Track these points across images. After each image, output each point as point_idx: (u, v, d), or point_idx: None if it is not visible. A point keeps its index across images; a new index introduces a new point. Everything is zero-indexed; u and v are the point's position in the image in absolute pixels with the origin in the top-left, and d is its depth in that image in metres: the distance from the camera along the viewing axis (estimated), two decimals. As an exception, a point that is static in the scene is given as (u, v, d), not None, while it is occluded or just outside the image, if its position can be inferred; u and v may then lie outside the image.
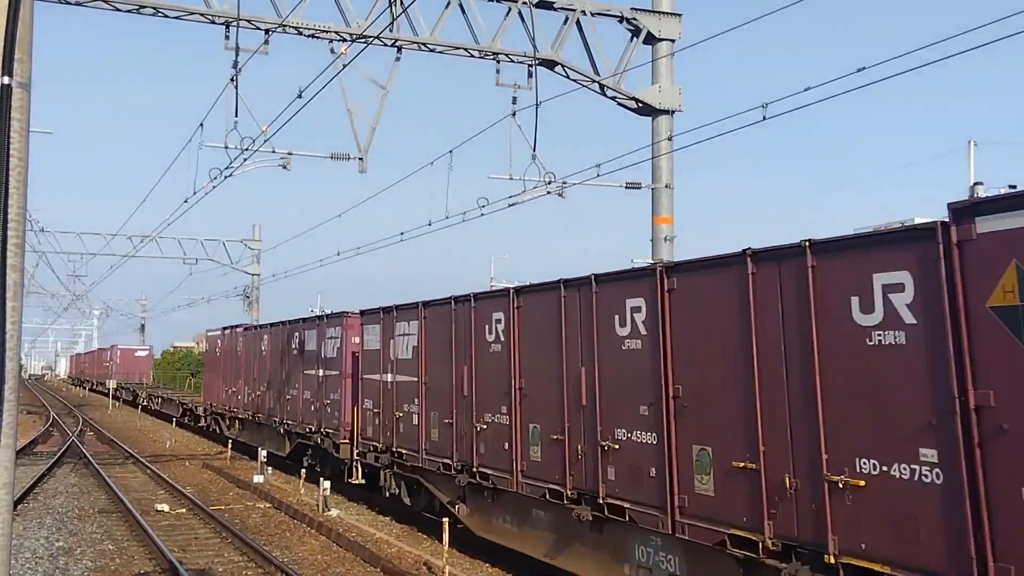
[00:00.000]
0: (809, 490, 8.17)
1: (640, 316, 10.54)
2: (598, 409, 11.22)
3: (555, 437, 12.03)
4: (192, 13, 16.34)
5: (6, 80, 4.51)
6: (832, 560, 7.89)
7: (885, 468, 7.50)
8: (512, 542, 13.69)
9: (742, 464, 8.90)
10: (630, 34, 18.62)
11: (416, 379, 16.34)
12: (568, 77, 18.23)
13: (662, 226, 18.03)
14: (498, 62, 17.87)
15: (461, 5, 17.52)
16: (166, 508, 19.91)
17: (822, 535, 7.97)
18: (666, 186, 18.05)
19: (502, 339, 13.44)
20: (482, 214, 18.15)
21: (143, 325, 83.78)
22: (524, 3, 17.58)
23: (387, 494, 18.17)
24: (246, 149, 16.79)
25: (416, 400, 16.32)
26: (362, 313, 19.40)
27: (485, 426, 13.88)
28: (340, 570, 14.34)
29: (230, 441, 30.99)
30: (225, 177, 18.52)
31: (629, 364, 10.71)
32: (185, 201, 21.99)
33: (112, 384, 64.05)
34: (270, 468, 24.53)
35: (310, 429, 22.86)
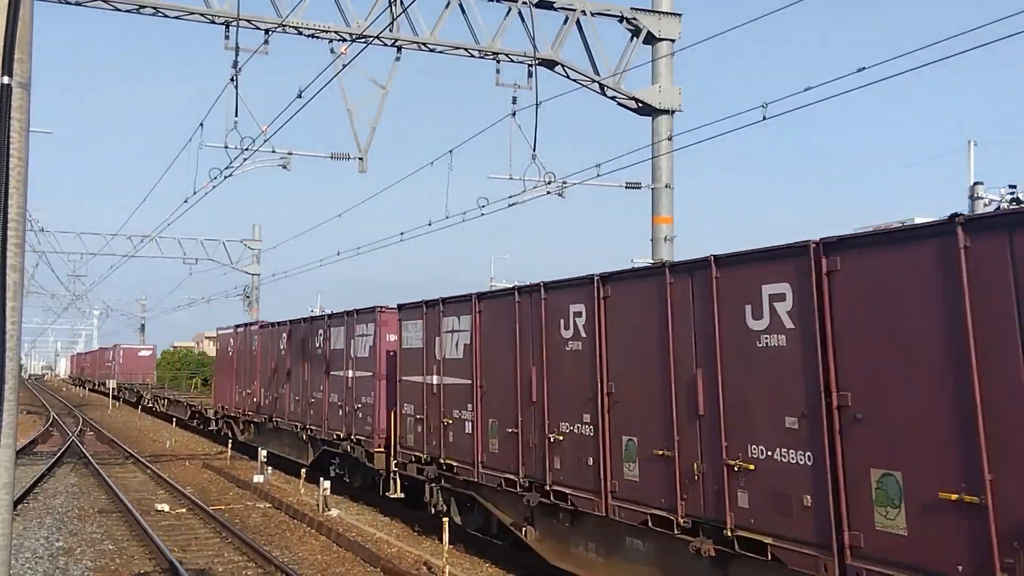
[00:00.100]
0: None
1: (785, 306, 8.67)
2: (722, 420, 9.23)
3: (660, 453, 10.07)
4: (192, 13, 16.34)
5: (6, 80, 4.51)
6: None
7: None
8: (597, 573, 11.72)
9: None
10: (630, 34, 18.62)
11: (469, 382, 14.50)
12: (568, 77, 18.23)
13: (662, 226, 18.03)
14: (498, 62, 17.87)
15: (461, 5, 17.52)
16: (166, 508, 19.91)
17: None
18: (666, 186, 18.05)
19: (583, 335, 11.59)
20: (482, 214, 18.16)
21: (143, 325, 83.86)
22: (524, 3, 17.58)
23: (432, 511, 16.16)
24: (246, 149, 16.80)
25: (469, 406, 14.48)
26: (400, 308, 17.45)
27: (561, 437, 11.96)
28: (340, 570, 14.34)
29: (230, 441, 30.96)
30: (225, 177, 18.54)
31: (764, 366, 8.76)
32: (185, 201, 22.03)
33: (112, 384, 63.23)
34: (270, 468, 24.51)
35: (337, 436, 20.90)
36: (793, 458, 8.42)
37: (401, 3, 16.87)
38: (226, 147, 16.95)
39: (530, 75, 17.78)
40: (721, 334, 9.24)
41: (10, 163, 4.52)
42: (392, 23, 17.00)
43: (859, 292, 7.90)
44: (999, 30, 9.27)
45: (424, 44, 17.58)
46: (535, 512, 12.95)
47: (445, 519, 13.94)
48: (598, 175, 16.48)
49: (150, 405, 51.88)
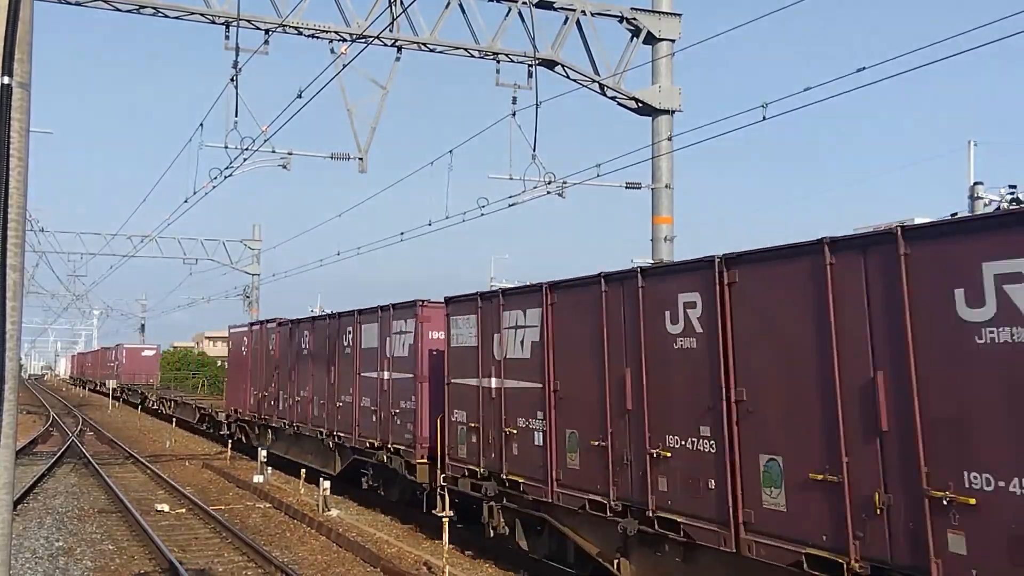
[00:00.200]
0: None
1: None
2: (919, 439, 7.44)
3: (819, 477, 8.32)
4: (192, 13, 16.34)
5: (6, 80, 4.51)
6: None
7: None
8: None
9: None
10: (630, 34, 18.63)
11: (539, 386, 12.73)
12: (568, 77, 18.23)
13: (662, 226, 18.04)
14: (498, 62, 17.87)
15: (461, 5, 17.52)
16: (166, 508, 19.91)
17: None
18: (666, 186, 18.05)
19: (699, 330, 9.83)
20: (482, 214, 18.16)
21: (143, 325, 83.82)
22: (524, 3, 17.58)
23: (491, 533, 14.25)
24: (246, 149, 16.80)
25: (539, 413, 12.70)
26: (448, 301, 15.66)
27: (668, 454, 10.24)
28: (340, 570, 14.34)
29: (230, 441, 30.93)
30: (225, 177, 18.55)
31: (992, 371, 7.00)
32: (185, 201, 22.03)
33: (112, 384, 62.72)
34: (270, 468, 24.50)
35: (371, 444, 19.01)
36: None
37: (401, 3, 16.87)
38: (226, 147, 16.95)
39: (530, 75, 17.80)
40: (914, 330, 7.63)
41: (10, 163, 4.52)
42: (392, 23, 17.01)
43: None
44: (1001, 29, 9.27)
45: (424, 44, 17.58)
46: (632, 542, 11.05)
47: (445, 519, 13.87)
48: (598, 175, 16.50)
49: (155, 407, 50.04)
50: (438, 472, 15.70)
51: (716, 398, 9.53)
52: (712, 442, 9.60)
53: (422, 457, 16.79)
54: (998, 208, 19.22)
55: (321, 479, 19.61)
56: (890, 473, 7.74)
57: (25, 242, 4.70)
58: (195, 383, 65.54)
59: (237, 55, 15.47)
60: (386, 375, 18.56)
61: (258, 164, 19.96)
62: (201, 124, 18.73)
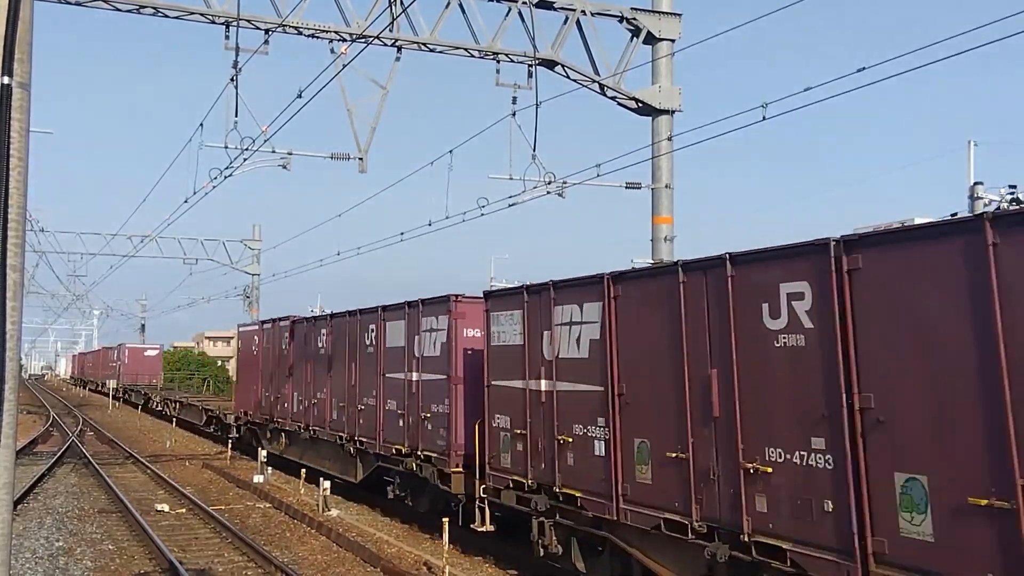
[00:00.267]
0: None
1: None
2: None
3: (982, 503, 7.08)
4: (192, 13, 16.35)
5: (6, 80, 4.51)
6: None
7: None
8: None
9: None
10: (630, 34, 18.64)
11: (600, 388, 11.46)
12: (568, 77, 18.24)
13: (662, 226, 18.05)
14: (498, 62, 17.88)
15: (461, 5, 17.53)
16: (166, 508, 19.91)
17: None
18: (666, 186, 18.06)
19: (807, 325, 8.57)
20: (482, 214, 18.17)
21: (143, 325, 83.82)
22: (524, 3, 17.59)
23: (541, 552, 12.97)
24: (246, 149, 16.82)
25: (601, 420, 11.43)
26: (488, 296, 14.53)
27: (769, 469, 8.91)
28: (340, 570, 14.34)
29: (230, 441, 30.92)
30: (225, 177, 18.59)
31: None
32: (185, 201, 22.08)
33: (112, 385, 62.40)
34: (270, 468, 24.48)
35: (398, 451, 17.77)
36: None
37: (401, 3, 16.88)
38: (226, 147, 16.98)
39: (530, 75, 17.82)
40: None
41: (10, 163, 4.52)
42: (392, 23, 17.02)
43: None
44: (1001, 29, 9.27)
45: (424, 44, 17.59)
46: (720, 569, 9.76)
47: (445, 519, 13.84)
48: (598, 175, 16.52)
49: (160, 409, 48.49)
50: (476, 482, 14.55)
51: (834, 405, 8.19)
52: (828, 457, 8.25)
53: (457, 466, 15.54)
54: (998, 208, 19.22)
55: (321, 479, 19.59)
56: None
57: (25, 242, 4.71)
58: (198, 383, 65.19)
59: (237, 55, 15.49)
60: (415, 376, 17.32)
61: (258, 164, 19.98)
62: (201, 124, 18.78)
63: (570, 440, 12.07)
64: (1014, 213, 7.21)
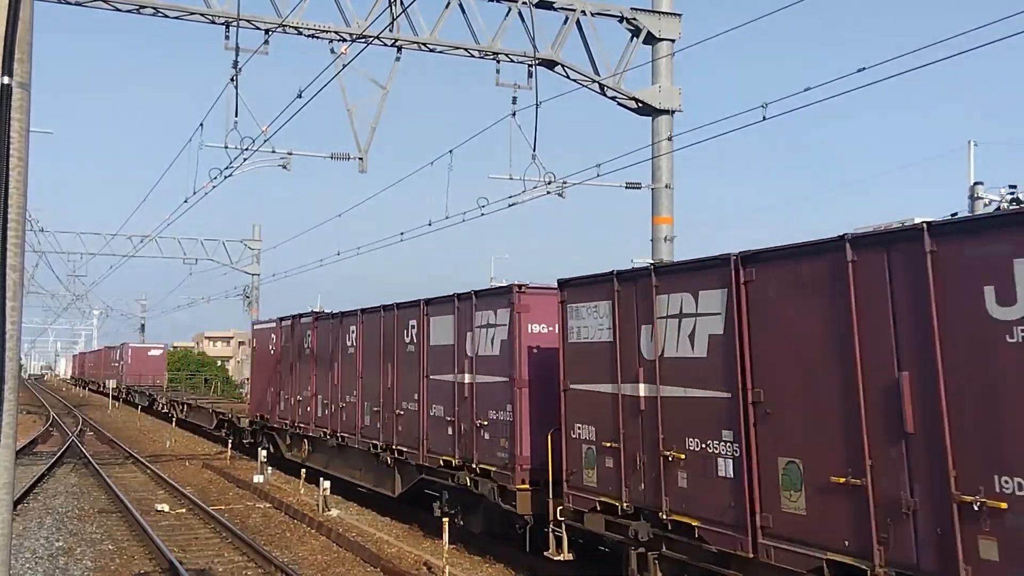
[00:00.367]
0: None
1: None
2: None
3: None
4: (192, 13, 16.34)
5: (6, 80, 4.51)
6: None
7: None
8: None
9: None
10: (630, 34, 18.63)
11: (725, 395, 9.59)
12: (568, 77, 18.24)
13: (662, 226, 18.04)
14: (498, 62, 17.88)
15: (461, 5, 17.52)
16: (166, 508, 19.91)
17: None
18: (666, 186, 18.05)
19: None
20: (482, 214, 18.15)
21: (143, 325, 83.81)
22: (524, 3, 17.59)
23: None
24: (246, 149, 16.81)
25: (728, 433, 9.55)
26: (563, 285, 12.59)
27: (1003, 505, 6.90)
28: (340, 570, 14.35)
29: (230, 441, 30.89)
30: (225, 177, 18.59)
31: None
32: (185, 201, 22.07)
33: (112, 385, 61.92)
34: (270, 468, 24.49)
35: (446, 463, 15.86)
36: None
37: (401, 3, 16.88)
38: (226, 147, 16.97)
39: (530, 75, 17.80)
40: None
41: (10, 163, 4.53)
42: (392, 23, 17.01)
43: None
44: (1001, 29, 9.27)
45: (424, 44, 17.59)
46: None
47: (445, 519, 13.82)
48: (598, 175, 16.51)
49: (166, 411, 45.99)
50: (551, 503, 12.65)
51: None
52: None
53: (523, 482, 13.59)
54: (998, 208, 19.23)
55: (321, 479, 19.58)
56: None
57: (25, 242, 4.71)
58: (203, 384, 64.53)
59: (237, 55, 15.49)
60: (467, 378, 15.34)
61: (258, 164, 19.99)
62: (201, 124, 18.78)
63: (682, 457, 10.14)
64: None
